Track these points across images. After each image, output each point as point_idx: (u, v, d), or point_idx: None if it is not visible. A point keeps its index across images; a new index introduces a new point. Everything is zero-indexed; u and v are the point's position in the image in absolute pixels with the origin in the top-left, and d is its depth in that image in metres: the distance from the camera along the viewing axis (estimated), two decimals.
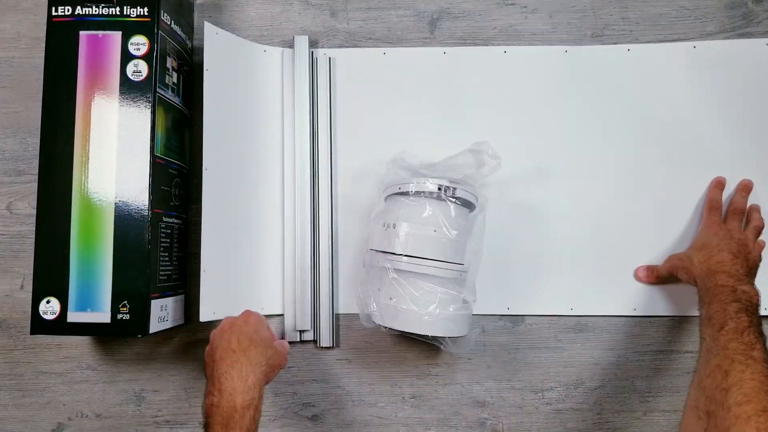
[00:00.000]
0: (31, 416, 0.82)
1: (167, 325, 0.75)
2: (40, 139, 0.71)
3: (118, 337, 0.71)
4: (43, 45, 0.83)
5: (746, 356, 0.60)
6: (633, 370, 0.81)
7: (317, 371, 0.82)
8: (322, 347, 0.82)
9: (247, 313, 0.72)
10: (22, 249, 0.83)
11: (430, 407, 0.82)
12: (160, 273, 0.73)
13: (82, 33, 0.72)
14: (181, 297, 0.79)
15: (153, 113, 0.71)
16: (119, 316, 0.69)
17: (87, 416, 0.82)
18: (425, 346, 0.82)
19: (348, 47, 0.85)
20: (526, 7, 0.85)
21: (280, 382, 0.82)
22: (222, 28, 0.84)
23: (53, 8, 0.72)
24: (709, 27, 0.84)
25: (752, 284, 0.68)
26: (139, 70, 0.71)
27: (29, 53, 0.84)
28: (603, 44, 0.84)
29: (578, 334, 0.82)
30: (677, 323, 0.82)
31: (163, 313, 0.74)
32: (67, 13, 0.72)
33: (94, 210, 0.70)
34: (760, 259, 0.75)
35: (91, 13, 0.72)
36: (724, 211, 0.80)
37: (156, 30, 0.71)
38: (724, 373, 0.59)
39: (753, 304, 0.65)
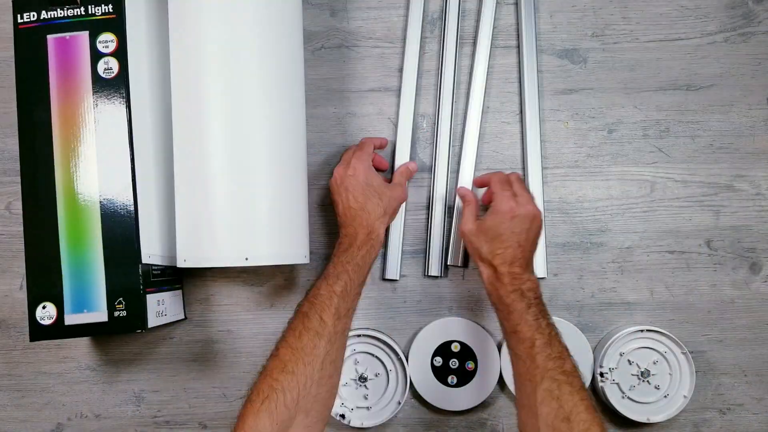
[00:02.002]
0: (30, 416, 0.82)
1: (167, 319, 0.75)
2: (19, 147, 0.71)
3: (118, 334, 0.70)
4: None
5: (564, 373, 0.62)
6: None
7: None
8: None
9: (355, 163, 0.74)
10: (21, 249, 0.82)
11: (430, 407, 0.82)
12: (154, 267, 0.73)
13: (49, 37, 0.71)
14: (178, 291, 0.79)
15: (128, 108, 0.71)
16: (116, 314, 0.69)
17: (86, 416, 0.82)
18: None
19: (349, 47, 0.85)
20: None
21: None
22: None
23: (18, 15, 0.72)
24: (709, 26, 0.84)
25: (531, 271, 0.69)
26: (110, 67, 0.71)
27: None
28: None
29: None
30: (677, 323, 0.82)
31: (160, 307, 0.73)
32: (32, 18, 0.72)
33: (80, 210, 0.70)
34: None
35: (56, 16, 0.71)
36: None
37: (123, 25, 0.71)
38: (556, 399, 0.60)
39: (538, 295, 0.68)
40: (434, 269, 0.82)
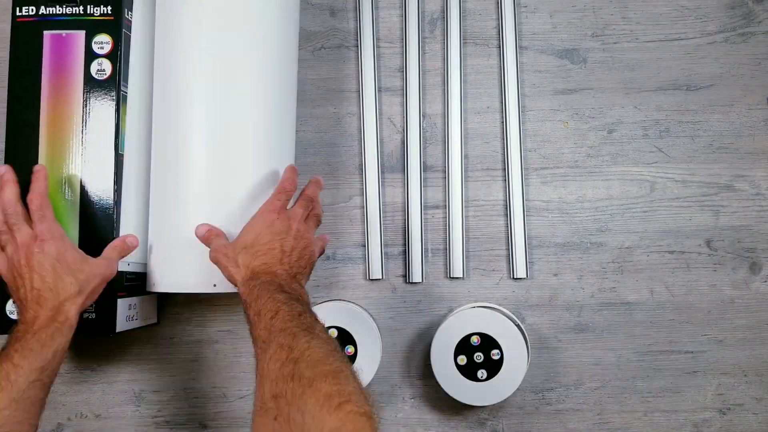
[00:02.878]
0: None
1: (136, 324, 0.74)
2: (5, 141, 0.71)
3: (86, 337, 0.70)
4: None
5: (309, 333, 0.53)
6: (633, 370, 0.81)
7: None
8: None
9: (44, 235, 0.63)
10: None
11: (430, 407, 0.82)
12: (128, 272, 0.72)
13: (46, 33, 0.71)
14: (152, 296, 0.79)
15: (117, 111, 0.71)
16: (85, 315, 0.69)
17: (86, 416, 0.82)
18: (425, 346, 0.82)
19: (350, 47, 0.85)
20: (526, 7, 0.85)
21: None
22: None
23: (17, 8, 0.72)
24: (709, 26, 0.84)
25: (302, 285, 0.63)
26: (102, 68, 0.71)
27: None
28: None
29: (578, 335, 0.82)
30: (677, 323, 0.82)
31: (131, 311, 0.73)
32: (31, 13, 0.72)
33: (60, 209, 0.70)
34: (320, 254, 0.69)
35: (54, 12, 0.71)
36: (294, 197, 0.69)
37: (120, 28, 0.71)
38: (288, 349, 0.51)
39: (304, 300, 0.60)
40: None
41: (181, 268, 0.70)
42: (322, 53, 0.85)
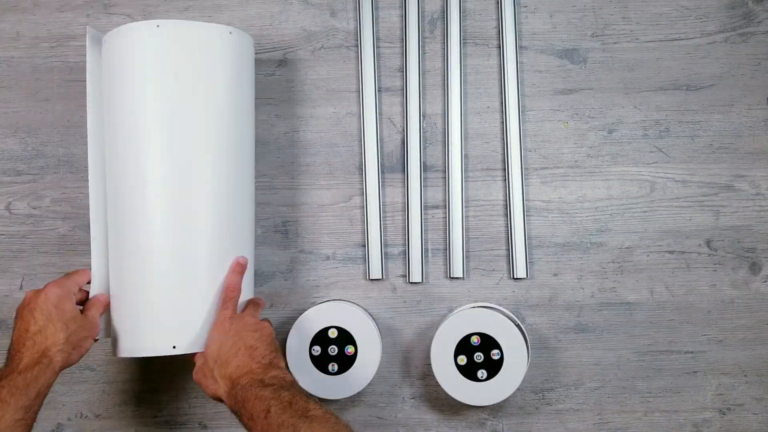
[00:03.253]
0: None
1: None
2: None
3: None
4: (43, 45, 0.84)
5: (306, 418, 0.57)
6: (633, 370, 0.81)
7: None
8: None
9: (51, 287, 0.67)
10: (21, 249, 0.82)
11: (430, 407, 0.82)
12: None
13: None
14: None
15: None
16: None
17: (86, 416, 0.82)
18: (425, 346, 0.82)
19: None
20: (526, 7, 0.85)
21: None
22: None
23: None
24: (709, 26, 0.84)
25: (281, 367, 0.66)
26: None
27: (28, 53, 0.84)
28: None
29: (578, 335, 0.82)
30: (677, 323, 0.82)
31: None
32: None
33: None
34: (273, 331, 0.70)
35: None
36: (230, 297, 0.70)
37: None
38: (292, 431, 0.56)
39: (288, 382, 0.63)
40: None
41: (138, 333, 0.70)
42: (322, 53, 0.85)
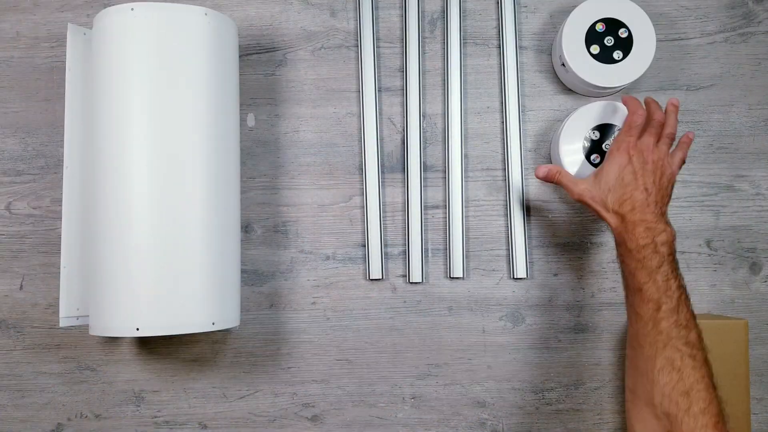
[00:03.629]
0: (30, 416, 0.82)
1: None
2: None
3: None
4: (43, 45, 0.84)
5: (688, 344, 0.61)
6: None
7: (317, 371, 0.82)
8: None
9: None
10: (21, 249, 0.82)
11: (430, 407, 0.82)
12: None
13: None
14: None
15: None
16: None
17: (86, 417, 0.82)
18: (425, 346, 0.82)
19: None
20: (526, 7, 0.85)
21: (280, 382, 0.82)
22: None
23: None
24: (709, 26, 0.84)
25: (667, 222, 0.66)
26: None
27: (28, 53, 0.84)
28: None
29: (578, 335, 0.82)
30: None
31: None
32: None
33: None
34: (680, 165, 0.72)
35: None
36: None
37: None
38: (678, 372, 0.60)
39: (673, 250, 0.65)
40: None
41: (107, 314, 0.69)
42: (322, 53, 0.85)
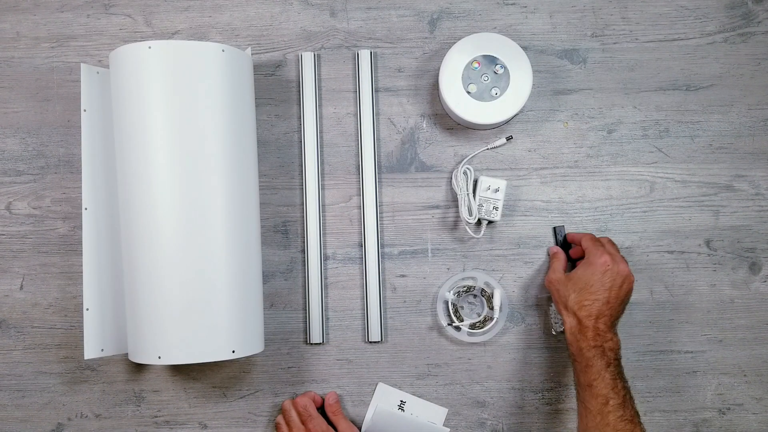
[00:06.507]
0: (30, 416, 0.82)
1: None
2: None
3: None
4: (43, 45, 0.84)
5: None
6: (633, 370, 0.81)
7: (317, 371, 0.82)
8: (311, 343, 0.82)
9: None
10: (21, 249, 0.83)
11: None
12: None
13: None
14: None
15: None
16: None
17: (86, 416, 0.82)
18: (425, 346, 0.82)
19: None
20: (526, 7, 0.85)
21: (280, 382, 0.82)
22: (222, 28, 0.84)
23: None
24: (709, 27, 0.84)
25: (614, 332, 0.71)
26: None
27: (29, 53, 0.84)
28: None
29: None
30: (677, 323, 0.82)
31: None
32: None
33: None
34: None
35: None
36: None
37: None
38: None
39: (618, 357, 0.71)
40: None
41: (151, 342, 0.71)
42: (322, 53, 0.85)
